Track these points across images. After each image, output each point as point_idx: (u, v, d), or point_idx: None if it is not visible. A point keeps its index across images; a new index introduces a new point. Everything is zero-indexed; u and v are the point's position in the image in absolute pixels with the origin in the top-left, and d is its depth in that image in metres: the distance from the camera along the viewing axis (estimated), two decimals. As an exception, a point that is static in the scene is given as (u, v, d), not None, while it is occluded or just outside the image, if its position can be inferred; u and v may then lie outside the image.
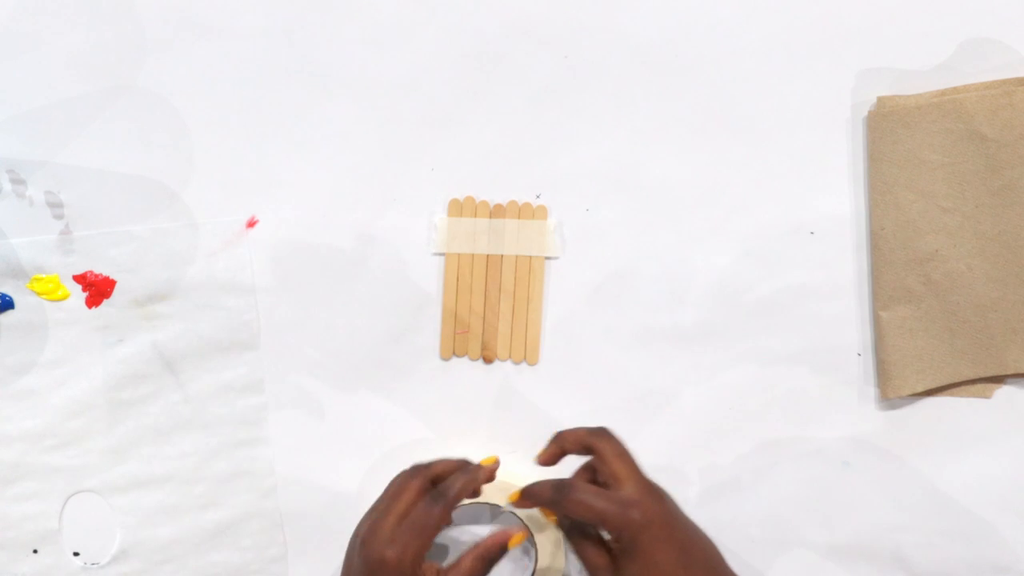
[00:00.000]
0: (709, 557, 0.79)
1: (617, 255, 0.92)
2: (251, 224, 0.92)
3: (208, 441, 0.92)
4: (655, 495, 0.78)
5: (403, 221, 0.92)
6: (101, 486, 0.92)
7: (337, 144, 0.92)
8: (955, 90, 0.90)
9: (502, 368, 0.93)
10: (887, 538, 0.92)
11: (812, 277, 0.92)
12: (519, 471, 0.88)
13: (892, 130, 0.90)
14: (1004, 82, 0.90)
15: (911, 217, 0.90)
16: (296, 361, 0.92)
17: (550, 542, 0.88)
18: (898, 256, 0.90)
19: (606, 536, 0.81)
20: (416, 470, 0.82)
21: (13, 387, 0.92)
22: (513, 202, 0.92)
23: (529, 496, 0.81)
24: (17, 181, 0.92)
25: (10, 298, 0.92)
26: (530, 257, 0.92)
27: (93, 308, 0.92)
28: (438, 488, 0.80)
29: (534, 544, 0.89)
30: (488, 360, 0.93)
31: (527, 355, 0.92)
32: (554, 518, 0.83)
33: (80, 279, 0.92)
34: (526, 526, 0.86)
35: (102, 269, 0.92)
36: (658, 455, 0.92)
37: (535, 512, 0.86)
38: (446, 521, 0.79)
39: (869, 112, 0.91)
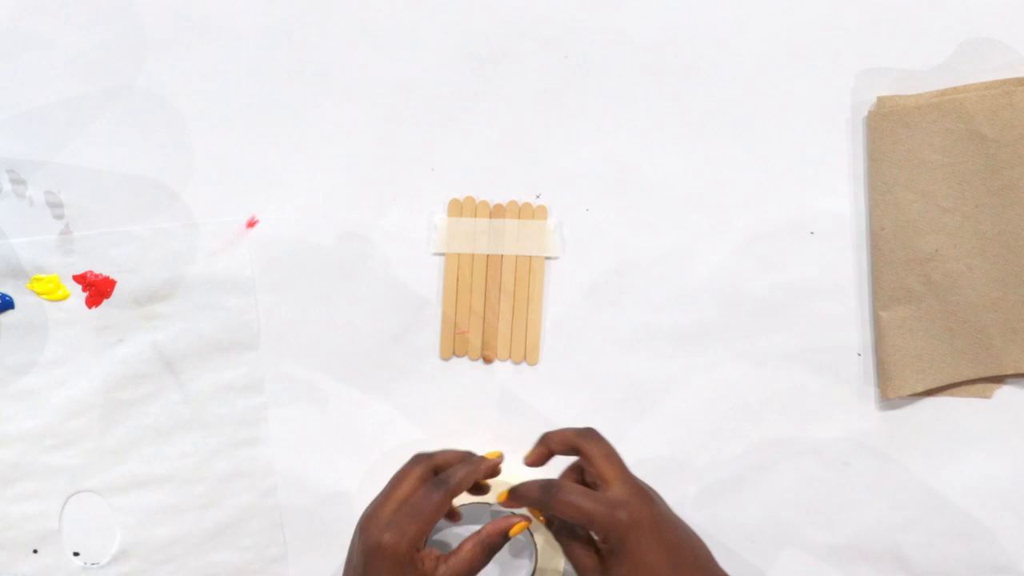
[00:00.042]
0: (698, 557, 0.79)
1: (617, 255, 0.92)
2: (251, 224, 0.92)
3: (208, 441, 0.92)
4: (643, 496, 0.78)
5: (403, 221, 0.92)
6: (101, 486, 0.92)
7: (337, 144, 0.92)
8: (955, 90, 0.90)
9: (502, 368, 0.93)
10: (887, 538, 0.92)
11: (812, 277, 0.92)
12: (520, 472, 0.88)
13: (892, 130, 0.90)
14: (1004, 82, 0.90)
15: (911, 217, 0.90)
16: (296, 361, 0.92)
17: (550, 543, 0.88)
18: (898, 256, 0.90)
19: (595, 537, 0.80)
20: (419, 458, 0.82)
21: (13, 387, 0.92)
22: (513, 202, 0.92)
23: (517, 496, 0.80)
24: (17, 181, 0.92)
25: (10, 298, 0.92)
26: (530, 257, 0.92)
27: (93, 308, 0.92)
28: (439, 476, 0.80)
29: (534, 544, 0.89)
30: (488, 360, 0.93)
31: (527, 355, 0.92)
32: (543, 518, 0.83)
33: (80, 279, 0.92)
34: (528, 519, 0.86)
35: (102, 269, 0.92)
36: (658, 455, 0.92)
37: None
38: (445, 508, 0.78)
39: (869, 112, 0.91)
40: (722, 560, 0.89)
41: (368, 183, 0.92)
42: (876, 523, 0.92)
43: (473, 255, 0.93)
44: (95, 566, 0.92)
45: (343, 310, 0.92)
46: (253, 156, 0.92)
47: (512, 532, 0.81)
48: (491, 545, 0.80)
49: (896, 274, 0.90)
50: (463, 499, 0.85)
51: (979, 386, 0.91)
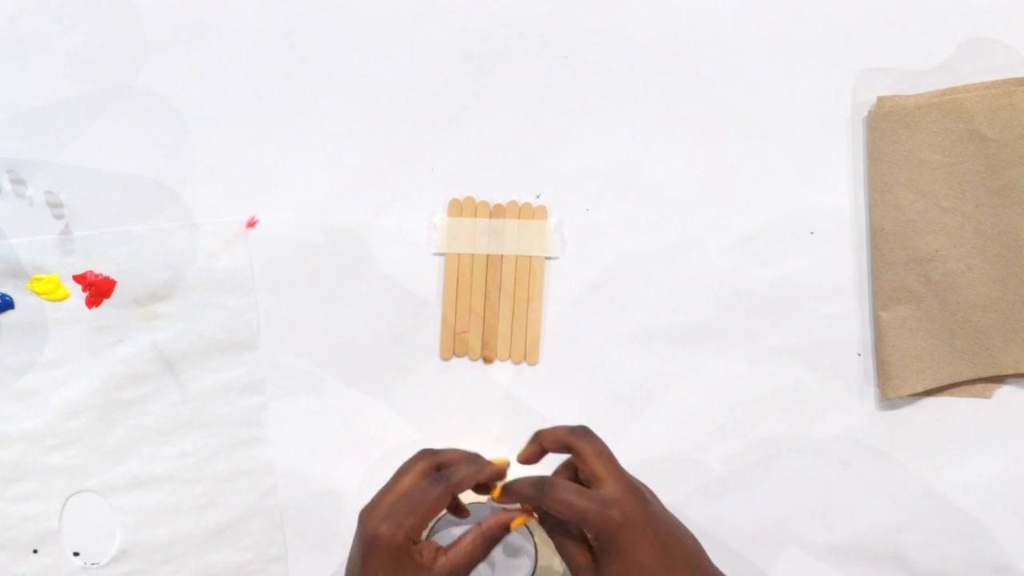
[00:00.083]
0: (691, 555, 0.78)
1: (617, 255, 0.92)
2: (251, 224, 0.92)
3: (208, 441, 0.92)
4: (635, 494, 0.77)
5: (403, 221, 0.92)
6: (101, 486, 0.92)
7: (337, 144, 0.92)
8: (955, 90, 0.90)
9: (502, 368, 0.93)
10: (887, 538, 0.92)
11: (812, 277, 0.92)
12: (516, 470, 0.87)
13: (892, 130, 0.90)
14: (1004, 82, 0.90)
15: (911, 217, 0.90)
16: (296, 361, 0.92)
17: (549, 543, 0.88)
18: (898, 256, 0.90)
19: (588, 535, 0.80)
20: (424, 454, 0.81)
21: (13, 387, 0.92)
22: (513, 202, 0.92)
23: (509, 492, 0.80)
24: (17, 181, 0.92)
25: (10, 298, 0.92)
26: (530, 257, 0.92)
27: (93, 308, 0.92)
28: (441, 471, 0.79)
29: (534, 545, 0.89)
30: (488, 360, 0.93)
31: (527, 355, 0.92)
32: (536, 516, 0.83)
33: (80, 279, 0.92)
34: (530, 513, 0.85)
35: (102, 269, 0.92)
36: (658, 454, 0.92)
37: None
38: (444, 503, 0.78)
39: (869, 112, 0.91)
40: (722, 560, 0.89)
41: (368, 183, 0.92)
42: (876, 523, 0.92)
43: (473, 255, 0.93)
44: (95, 566, 0.92)
45: (343, 310, 0.92)
46: (253, 156, 0.92)
47: (513, 525, 0.80)
48: (492, 537, 0.80)
49: (896, 274, 0.90)
50: (461, 497, 0.85)
51: (979, 386, 0.91)
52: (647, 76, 0.92)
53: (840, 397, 0.92)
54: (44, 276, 0.92)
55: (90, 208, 0.92)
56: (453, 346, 0.93)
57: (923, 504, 0.92)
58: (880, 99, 0.90)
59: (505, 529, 0.80)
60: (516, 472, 0.85)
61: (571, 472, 0.82)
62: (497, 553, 0.90)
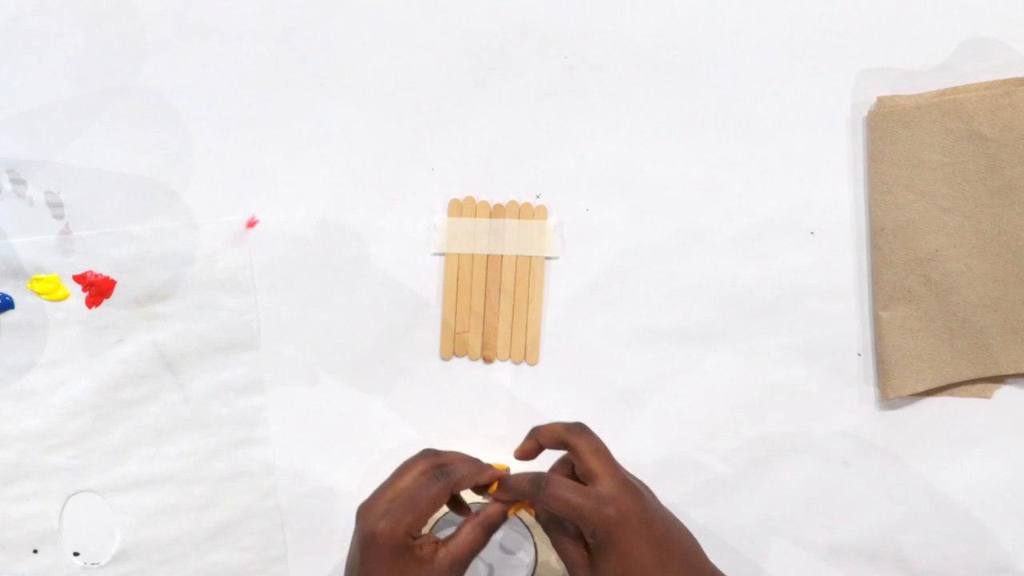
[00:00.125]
0: (687, 553, 0.78)
1: (617, 255, 0.92)
2: (251, 224, 0.92)
3: (208, 441, 0.92)
4: (631, 491, 0.77)
5: (403, 221, 0.92)
6: (101, 486, 0.92)
7: (337, 144, 0.92)
8: (955, 90, 0.90)
9: (502, 368, 0.93)
10: (887, 538, 0.92)
11: (812, 277, 0.92)
12: (518, 469, 0.87)
13: (892, 130, 0.90)
14: (1004, 82, 0.90)
15: (911, 217, 0.90)
16: (296, 361, 0.92)
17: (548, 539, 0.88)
18: (898, 256, 0.90)
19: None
20: (426, 453, 0.81)
21: (13, 387, 0.92)
22: (513, 202, 0.92)
23: (506, 488, 0.80)
24: (17, 181, 0.92)
25: (10, 298, 0.92)
26: (530, 257, 0.92)
27: (93, 308, 0.92)
28: (441, 468, 0.79)
29: (534, 544, 0.89)
30: (488, 360, 0.93)
31: (527, 355, 0.92)
32: (532, 511, 0.83)
33: (80, 279, 0.92)
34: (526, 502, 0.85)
35: (102, 269, 0.92)
36: (658, 454, 0.92)
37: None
38: (443, 500, 0.78)
39: (869, 112, 0.91)
40: (721, 559, 0.89)
41: (368, 183, 0.92)
42: (876, 523, 0.92)
43: (473, 255, 0.93)
44: (95, 566, 0.92)
45: (343, 310, 0.92)
46: (253, 156, 0.92)
47: (511, 512, 0.80)
48: (490, 526, 0.79)
49: (896, 274, 0.90)
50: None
51: (979, 386, 0.91)
52: (647, 76, 0.92)
53: (840, 397, 0.92)
54: (44, 276, 0.92)
55: (90, 208, 0.92)
56: (453, 346, 0.93)
57: (923, 504, 0.92)
58: (880, 99, 0.90)
59: (503, 517, 0.80)
60: (514, 469, 0.85)
61: (568, 468, 0.82)
62: (497, 552, 0.90)
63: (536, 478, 0.78)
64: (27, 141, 0.92)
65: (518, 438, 0.83)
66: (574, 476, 0.80)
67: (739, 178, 0.92)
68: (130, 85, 0.92)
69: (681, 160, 0.92)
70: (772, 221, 0.92)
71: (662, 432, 0.92)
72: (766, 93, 0.92)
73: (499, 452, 0.89)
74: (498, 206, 0.93)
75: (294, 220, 0.92)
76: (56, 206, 0.92)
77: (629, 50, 0.92)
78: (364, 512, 0.78)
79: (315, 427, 0.92)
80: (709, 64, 0.92)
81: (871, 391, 0.92)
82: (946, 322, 0.90)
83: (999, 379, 0.91)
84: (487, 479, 0.80)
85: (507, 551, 0.92)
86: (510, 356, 0.93)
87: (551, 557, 0.89)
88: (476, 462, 0.81)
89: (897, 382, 0.90)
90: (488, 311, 0.92)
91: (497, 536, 0.91)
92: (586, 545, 0.78)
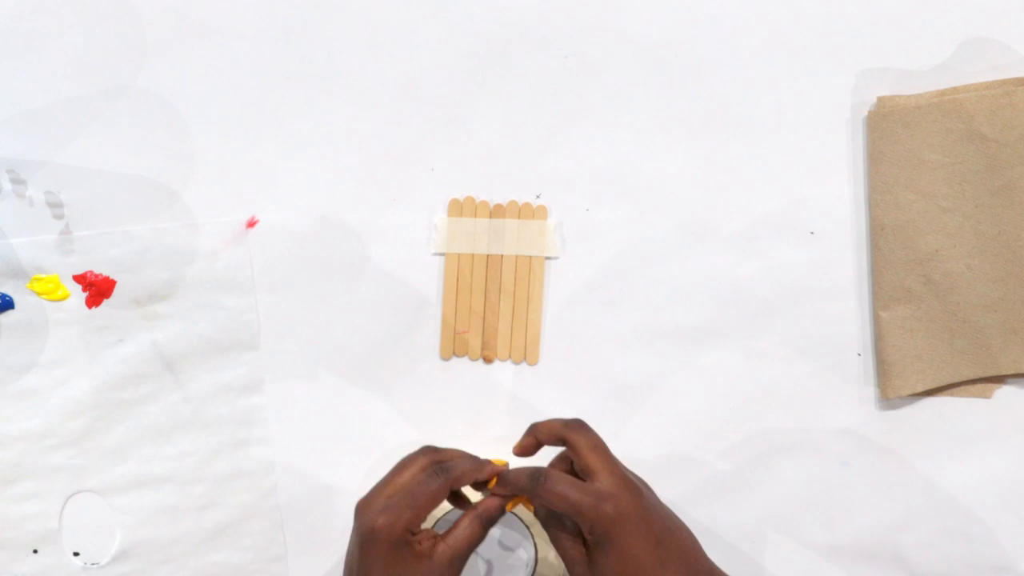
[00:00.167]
0: (685, 550, 0.78)
1: (617, 255, 0.92)
2: (251, 224, 0.92)
3: (208, 441, 0.92)
4: (630, 488, 0.77)
5: (403, 221, 0.93)
6: (101, 486, 0.92)
7: (337, 144, 0.92)
8: (955, 90, 0.90)
9: (502, 368, 0.93)
10: (887, 538, 0.92)
11: (812, 277, 0.92)
12: (517, 465, 0.87)
13: (892, 130, 0.90)
14: (1004, 82, 0.90)
15: (911, 217, 0.90)
16: (296, 361, 0.92)
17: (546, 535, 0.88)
18: (898, 256, 0.90)
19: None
20: (426, 450, 0.81)
21: (13, 387, 0.92)
22: (513, 202, 0.92)
23: (505, 482, 0.80)
24: (17, 181, 0.92)
25: (10, 298, 0.92)
26: (530, 257, 0.92)
27: (93, 308, 0.92)
28: (441, 465, 0.79)
29: (534, 543, 0.89)
30: (488, 360, 0.93)
31: (527, 355, 0.92)
32: (531, 507, 0.83)
33: (80, 279, 0.92)
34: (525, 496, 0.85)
35: (102, 269, 0.92)
36: (658, 454, 0.92)
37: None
38: (442, 496, 0.78)
39: (869, 112, 0.91)
40: (721, 558, 0.89)
41: (368, 183, 0.92)
42: (876, 523, 0.92)
43: (473, 255, 0.93)
44: (95, 566, 0.92)
45: (343, 310, 0.92)
46: (253, 156, 0.92)
47: (509, 506, 0.80)
48: (488, 519, 0.79)
49: (896, 274, 0.90)
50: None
51: (979, 386, 0.91)
52: (647, 76, 0.92)
53: (840, 397, 0.92)
54: (44, 276, 0.92)
55: (90, 208, 0.92)
56: (453, 346, 0.93)
57: (923, 504, 0.92)
58: (880, 99, 0.90)
59: (501, 510, 0.80)
60: (512, 465, 0.86)
61: (567, 465, 0.82)
62: (496, 550, 0.90)
63: (535, 473, 0.78)
64: (27, 141, 0.92)
65: (518, 438, 0.83)
66: (573, 472, 0.80)
67: (739, 178, 0.92)
68: (130, 85, 0.92)
69: (681, 160, 0.92)
70: (772, 221, 0.92)
71: (662, 431, 0.92)
72: (766, 93, 0.92)
73: (499, 451, 0.89)
74: (498, 206, 0.93)
75: (294, 220, 0.92)
76: (56, 206, 0.92)
77: (629, 50, 0.92)
78: (363, 508, 0.78)
79: (315, 427, 0.92)
80: (709, 64, 0.92)
81: (871, 391, 0.92)
82: (946, 322, 0.90)
83: (999, 379, 0.91)
84: (486, 475, 0.80)
85: (506, 548, 0.92)
86: (510, 356, 0.93)
87: (550, 554, 0.89)
88: (475, 458, 0.81)
89: (897, 382, 0.90)
90: (488, 311, 0.92)
91: (496, 533, 0.91)
92: (584, 541, 0.78)
